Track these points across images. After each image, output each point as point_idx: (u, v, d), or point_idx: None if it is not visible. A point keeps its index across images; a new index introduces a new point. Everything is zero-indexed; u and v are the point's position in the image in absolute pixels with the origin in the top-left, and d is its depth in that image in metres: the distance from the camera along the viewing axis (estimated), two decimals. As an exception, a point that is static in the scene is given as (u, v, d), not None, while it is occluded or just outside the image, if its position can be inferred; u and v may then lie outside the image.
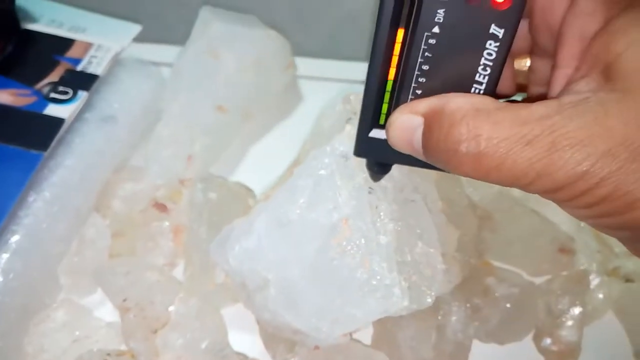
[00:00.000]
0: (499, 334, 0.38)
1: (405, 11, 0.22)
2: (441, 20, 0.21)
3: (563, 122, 0.19)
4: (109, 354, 0.35)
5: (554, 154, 0.19)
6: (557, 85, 0.22)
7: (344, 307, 0.31)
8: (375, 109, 0.24)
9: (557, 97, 0.21)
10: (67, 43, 0.47)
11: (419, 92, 0.23)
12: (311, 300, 0.32)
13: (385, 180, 0.33)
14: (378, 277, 0.30)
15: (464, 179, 0.39)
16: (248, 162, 0.48)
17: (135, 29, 0.49)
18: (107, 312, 0.39)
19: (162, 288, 0.37)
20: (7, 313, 0.37)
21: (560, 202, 0.20)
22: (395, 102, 0.24)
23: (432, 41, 0.22)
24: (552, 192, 0.20)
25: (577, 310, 0.38)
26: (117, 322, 0.38)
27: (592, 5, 0.21)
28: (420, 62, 0.22)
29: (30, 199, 0.39)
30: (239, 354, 0.37)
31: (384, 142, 0.24)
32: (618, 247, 0.40)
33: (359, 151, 0.26)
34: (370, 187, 0.32)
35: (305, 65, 0.53)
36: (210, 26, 0.47)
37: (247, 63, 0.46)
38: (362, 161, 0.28)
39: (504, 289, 0.38)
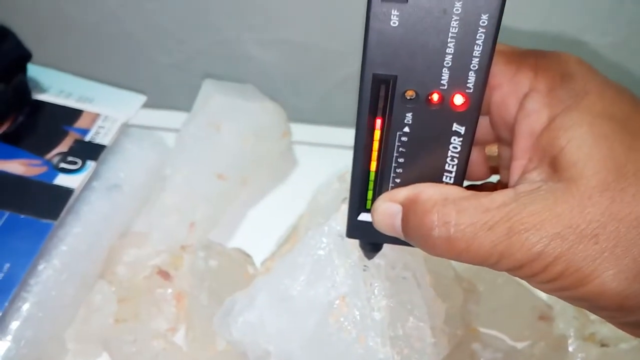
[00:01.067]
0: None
1: (379, 116, 0.25)
2: (410, 122, 0.25)
3: (518, 209, 0.22)
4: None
5: (512, 237, 0.22)
6: (515, 174, 0.25)
7: (341, 380, 0.34)
8: (361, 196, 0.27)
9: (514, 185, 0.24)
10: (76, 113, 0.50)
11: (398, 180, 0.26)
12: (310, 373, 0.34)
13: (379, 258, 0.35)
14: (372, 352, 0.33)
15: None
16: (246, 227, 0.50)
17: (141, 99, 0.52)
18: (112, 378, 0.40)
19: (168, 356, 0.39)
20: (17, 380, 0.38)
21: (526, 279, 0.23)
22: (379, 190, 0.27)
23: (404, 139, 0.25)
24: (515, 270, 0.23)
25: (556, 376, 0.41)
26: (121, 388, 0.39)
27: (537, 106, 0.24)
28: (396, 156, 0.26)
29: (40, 267, 0.41)
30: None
31: (372, 225, 0.27)
32: (592, 314, 0.43)
33: (350, 233, 0.28)
34: (365, 265, 0.35)
35: (300, 130, 0.55)
36: (212, 99, 0.50)
37: (246, 134, 0.49)
38: (357, 240, 0.31)
39: (489, 354, 0.41)
